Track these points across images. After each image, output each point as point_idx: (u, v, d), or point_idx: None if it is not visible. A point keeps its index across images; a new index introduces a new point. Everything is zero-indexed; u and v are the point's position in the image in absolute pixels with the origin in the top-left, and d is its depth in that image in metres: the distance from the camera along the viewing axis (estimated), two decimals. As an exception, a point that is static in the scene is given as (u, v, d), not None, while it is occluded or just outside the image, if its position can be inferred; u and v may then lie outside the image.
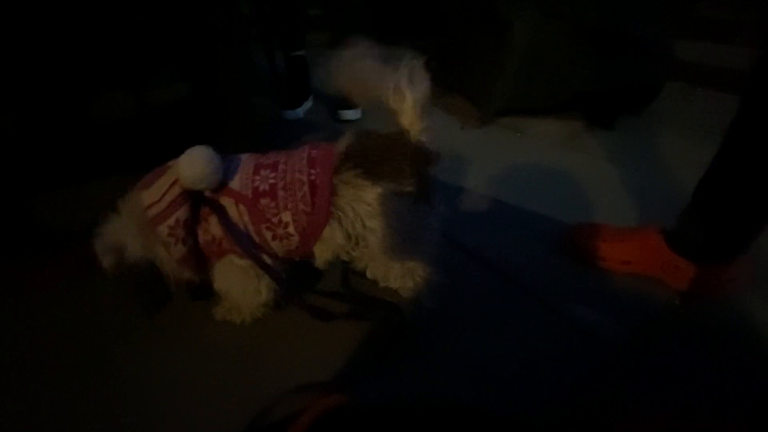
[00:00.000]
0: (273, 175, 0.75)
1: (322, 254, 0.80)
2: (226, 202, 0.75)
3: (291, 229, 0.75)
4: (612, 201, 1.19)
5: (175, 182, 0.72)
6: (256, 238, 0.77)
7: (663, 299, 0.93)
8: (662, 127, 1.46)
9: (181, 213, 0.73)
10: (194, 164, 0.71)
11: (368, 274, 0.81)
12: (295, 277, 0.85)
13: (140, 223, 0.73)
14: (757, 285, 0.93)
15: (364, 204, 0.73)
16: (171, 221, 0.72)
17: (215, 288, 0.81)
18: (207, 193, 0.75)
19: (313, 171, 0.73)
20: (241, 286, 0.79)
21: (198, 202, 0.75)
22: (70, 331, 0.91)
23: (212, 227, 0.75)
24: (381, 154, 0.73)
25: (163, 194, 0.72)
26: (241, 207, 0.74)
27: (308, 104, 1.66)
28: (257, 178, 0.75)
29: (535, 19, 1.35)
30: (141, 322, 0.92)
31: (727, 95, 1.50)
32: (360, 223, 0.74)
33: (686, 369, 0.82)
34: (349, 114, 1.58)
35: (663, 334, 0.88)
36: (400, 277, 0.81)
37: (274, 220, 0.74)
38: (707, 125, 1.35)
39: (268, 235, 0.76)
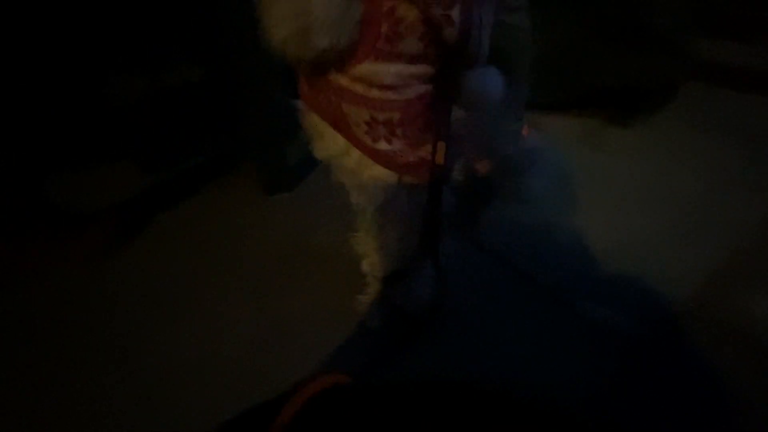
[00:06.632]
0: None
1: None
2: None
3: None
4: (628, 199, 1.18)
5: None
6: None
7: (677, 298, 0.92)
8: (681, 126, 1.42)
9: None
10: None
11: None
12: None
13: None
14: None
15: None
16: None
17: None
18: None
19: None
20: None
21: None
22: (88, 313, 0.92)
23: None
24: None
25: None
26: None
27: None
28: None
29: (553, 12, 1.33)
30: (157, 305, 0.93)
31: (747, 96, 1.46)
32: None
33: (698, 367, 0.81)
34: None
35: (676, 332, 0.87)
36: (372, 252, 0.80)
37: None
38: (726, 126, 1.32)
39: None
